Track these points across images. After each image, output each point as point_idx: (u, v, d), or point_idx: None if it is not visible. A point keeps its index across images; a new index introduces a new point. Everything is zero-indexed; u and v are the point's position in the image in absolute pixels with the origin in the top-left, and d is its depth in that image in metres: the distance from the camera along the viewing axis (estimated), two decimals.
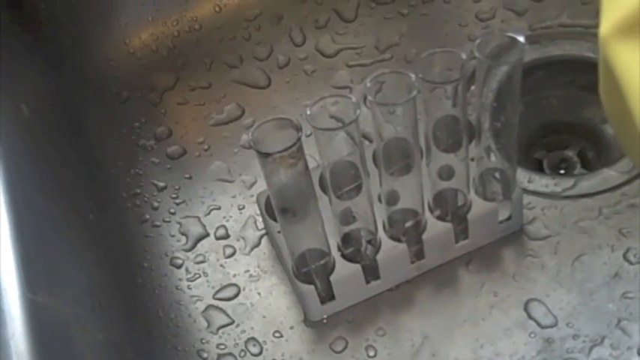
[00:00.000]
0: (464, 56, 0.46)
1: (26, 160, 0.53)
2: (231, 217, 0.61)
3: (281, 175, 0.46)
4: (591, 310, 0.52)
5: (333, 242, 0.53)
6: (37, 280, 0.44)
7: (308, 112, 0.45)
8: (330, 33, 0.71)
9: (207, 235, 0.60)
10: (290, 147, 0.44)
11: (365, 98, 0.56)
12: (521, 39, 0.46)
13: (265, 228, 0.59)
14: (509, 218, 0.56)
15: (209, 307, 0.57)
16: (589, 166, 0.64)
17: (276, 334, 0.55)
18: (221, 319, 0.56)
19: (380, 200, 0.53)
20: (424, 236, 0.54)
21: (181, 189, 0.63)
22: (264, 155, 0.44)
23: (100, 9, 0.70)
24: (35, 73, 0.63)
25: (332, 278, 0.53)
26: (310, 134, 0.49)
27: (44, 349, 0.41)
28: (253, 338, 0.55)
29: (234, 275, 0.58)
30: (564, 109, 0.66)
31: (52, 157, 0.58)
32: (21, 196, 0.49)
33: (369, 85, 0.46)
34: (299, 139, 0.44)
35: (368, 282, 0.55)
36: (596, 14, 0.66)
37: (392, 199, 0.52)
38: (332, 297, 0.54)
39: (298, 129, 0.44)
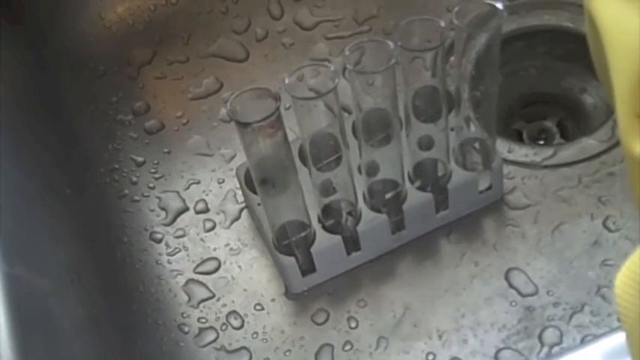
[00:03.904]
0: (442, 24, 0.46)
1: (0, 134, 0.52)
2: (210, 191, 0.61)
3: (260, 146, 0.46)
4: (571, 277, 0.53)
5: (314, 214, 0.53)
6: (14, 253, 0.44)
7: (286, 82, 0.45)
8: (308, 5, 0.70)
9: (187, 209, 0.60)
10: (269, 116, 0.43)
11: (344, 69, 0.55)
12: (500, 6, 0.46)
13: (245, 201, 0.59)
14: (489, 188, 0.56)
15: (189, 281, 0.56)
16: (568, 137, 0.64)
17: (258, 307, 0.55)
18: (202, 293, 0.56)
19: (360, 171, 0.53)
20: (404, 207, 0.54)
21: (160, 163, 0.62)
22: (242, 125, 0.44)
23: None
24: (9, 48, 0.62)
25: (313, 250, 0.53)
26: (289, 107, 0.48)
27: (22, 323, 0.41)
28: (234, 311, 0.55)
29: (215, 249, 0.58)
30: (543, 79, 0.66)
31: (28, 131, 0.57)
32: None
33: (347, 53, 0.45)
34: (277, 108, 0.44)
35: (349, 253, 0.54)
36: None
37: (372, 170, 0.52)
38: (313, 269, 0.54)
39: (277, 99, 0.44)
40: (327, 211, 0.53)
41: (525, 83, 0.66)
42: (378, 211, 0.54)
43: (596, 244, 0.54)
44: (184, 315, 0.55)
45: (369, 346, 0.52)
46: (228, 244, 0.58)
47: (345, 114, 0.56)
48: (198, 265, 0.57)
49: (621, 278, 0.31)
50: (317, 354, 0.52)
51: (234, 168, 0.59)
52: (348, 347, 0.52)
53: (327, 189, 0.52)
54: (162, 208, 0.60)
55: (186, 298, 0.56)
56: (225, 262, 0.57)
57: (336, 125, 0.47)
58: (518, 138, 0.64)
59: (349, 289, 0.55)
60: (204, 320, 0.54)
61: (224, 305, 0.55)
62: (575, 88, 0.65)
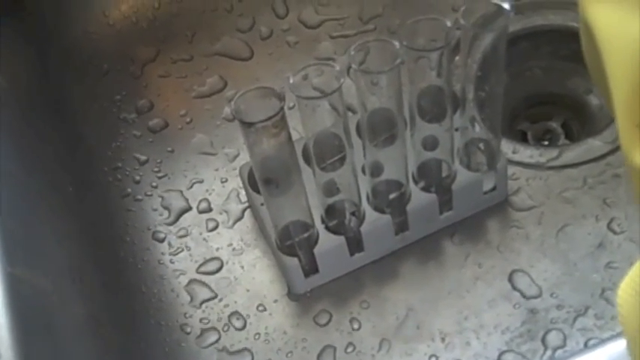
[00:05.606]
0: (448, 24, 0.46)
1: (3, 132, 0.52)
2: (213, 190, 0.60)
3: (264, 145, 0.45)
4: (575, 280, 0.52)
5: (317, 214, 0.53)
6: (16, 253, 0.44)
7: (290, 81, 0.44)
8: (312, 4, 0.70)
9: (190, 208, 0.60)
10: (273, 116, 0.43)
11: (349, 69, 0.55)
12: (507, 6, 0.46)
13: (248, 201, 0.58)
14: (493, 189, 0.56)
15: (192, 281, 0.56)
16: (573, 138, 0.63)
17: (260, 308, 0.54)
18: (204, 293, 0.55)
19: (364, 171, 0.53)
20: (408, 207, 0.54)
21: (163, 162, 0.62)
22: (247, 125, 0.44)
23: None
24: (13, 45, 0.62)
25: (316, 251, 0.53)
26: (293, 106, 0.48)
27: (23, 322, 0.40)
28: (237, 312, 0.54)
29: (217, 249, 0.57)
30: (548, 79, 0.66)
31: (31, 129, 0.57)
32: None
33: (352, 53, 0.45)
34: (282, 108, 0.43)
35: (352, 254, 0.54)
36: None
37: (376, 170, 0.52)
38: (316, 270, 0.54)
39: (281, 98, 0.44)
40: (330, 212, 0.53)
41: (530, 83, 0.66)
42: (382, 211, 0.53)
43: (600, 247, 0.54)
44: (186, 315, 0.54)
45: (372, 348, 0.52)
46: (231, 244, 0.58)
47: (350, 114, 0.56)
48: (200, 265, 0.57)
49: (624, 288, 0.30)
50: (319, 356, 0.52)
51: (237, 167, 0.59)
52: (350, 349, 0.52)
53: (330, 189, 0.51)
54: (165, 208, 0.60)
55: (188, 298, 0.55)
56: (227, 263, 0.57)
57: (341, 125, 0.47)
58: (522, 139, 0.63)
59: (352, 291, 0.54)
60: (206, 321, 0.54)
61: (226, 306, 0.55)
62: (580, 88, 0.64)
